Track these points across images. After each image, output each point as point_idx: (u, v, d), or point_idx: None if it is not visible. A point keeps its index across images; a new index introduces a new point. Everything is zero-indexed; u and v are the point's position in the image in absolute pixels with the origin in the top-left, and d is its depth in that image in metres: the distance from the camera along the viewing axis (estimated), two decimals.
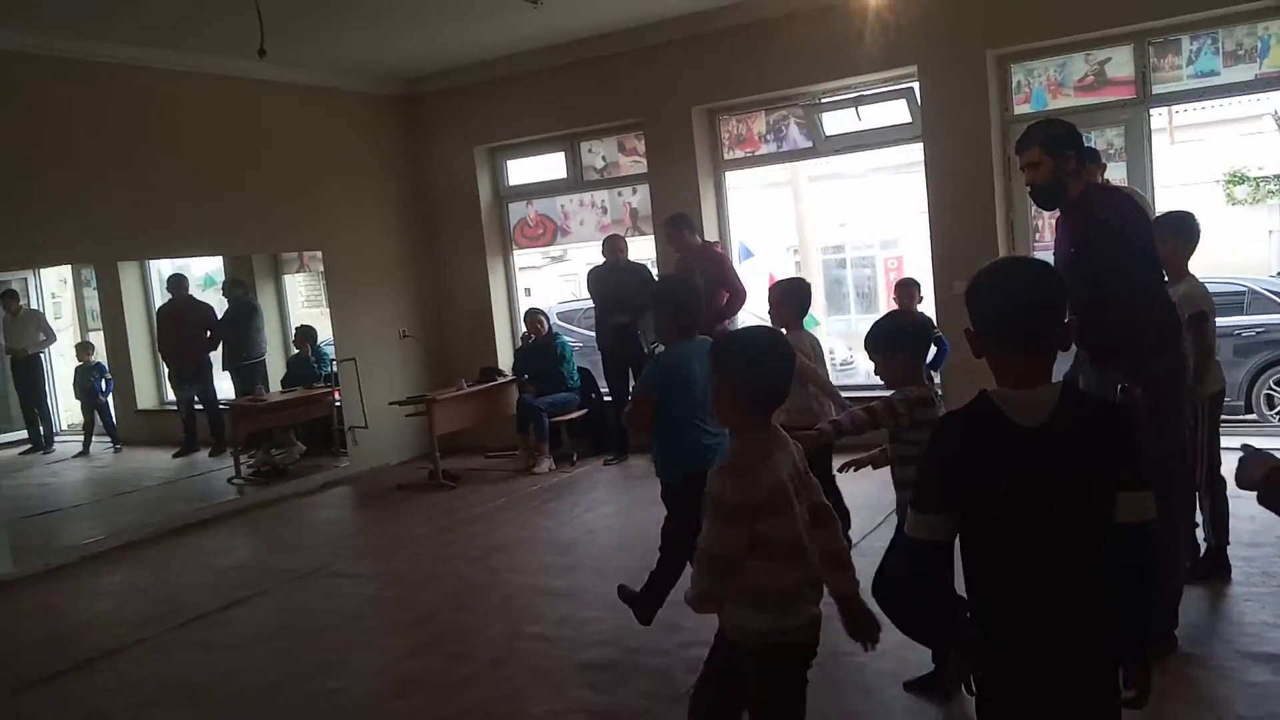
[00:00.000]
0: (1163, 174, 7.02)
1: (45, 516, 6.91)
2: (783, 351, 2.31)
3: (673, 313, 3.76)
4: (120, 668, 4.28)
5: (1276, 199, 12.82)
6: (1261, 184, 12.54)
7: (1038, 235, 6.89)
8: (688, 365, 3.63)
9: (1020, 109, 6.72)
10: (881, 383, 3.30)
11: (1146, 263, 3.32)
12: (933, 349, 6.37)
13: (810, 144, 7.39)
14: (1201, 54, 6.23)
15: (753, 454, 2.18)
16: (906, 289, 6.35)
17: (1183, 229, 3.99)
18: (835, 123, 7.16)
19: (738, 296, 7.17)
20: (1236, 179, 12.62)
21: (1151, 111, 6.48)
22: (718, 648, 2.43)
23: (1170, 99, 6.60)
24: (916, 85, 6.78)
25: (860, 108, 7.02)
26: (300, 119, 7.77)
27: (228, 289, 8.38)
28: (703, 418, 3.62)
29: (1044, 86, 6.70)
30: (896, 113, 6.93)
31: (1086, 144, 3.69)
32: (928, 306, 6.50)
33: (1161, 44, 6.29)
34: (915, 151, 6.97)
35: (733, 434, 2.32)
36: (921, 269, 6.88)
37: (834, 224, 11.55)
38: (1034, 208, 6.77)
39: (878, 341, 3.18)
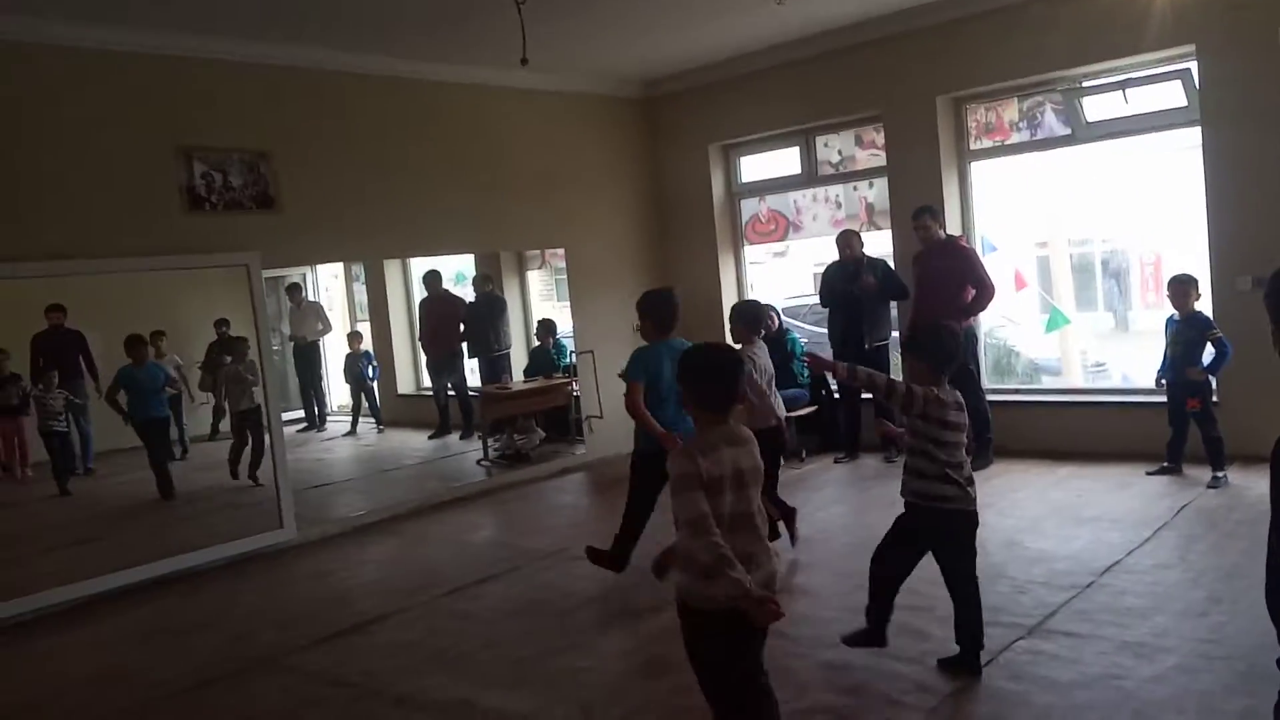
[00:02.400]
0: None
1: (320, 489, 7.64)
2: (731, 364, 2.70)
3: (650, 318, 4.88)
4: (389, 632, 4.66)
5: None
6: None
7: None
8: (659, 361, 4.69)
9: None
10: None
11: None
12: (1209, 350, 5.83)
13: (1069, 131, 6.92)
14: None
15: (706, 444, 2.58)
16: (1182, 287, 5.85)
17: None
18: (1098, 108, 6.67)
19: (986, 292, 6.87)
20: None
21: None
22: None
23: None
24: (1194, 65, 6.20)
25: (1127, 90, 6.50)
26: (547, 123, 8.14)
27: (476, 284, 8.92)
28: (665, 405, 4.65)
29: None
30: (1170, 96, 6.37)
31: None
32: (1205, 304, 5.94)
33: None
34: (1185, 138, 6.38)
35: (695, 426, 2.71)
36: (1190, 264, 6.29)
37: (1085, 216, 10.78)
38: None
39: (916, 347, 3.64)
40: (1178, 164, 6.73)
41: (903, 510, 3.67)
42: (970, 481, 3.53)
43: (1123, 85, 6.52)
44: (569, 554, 5.67)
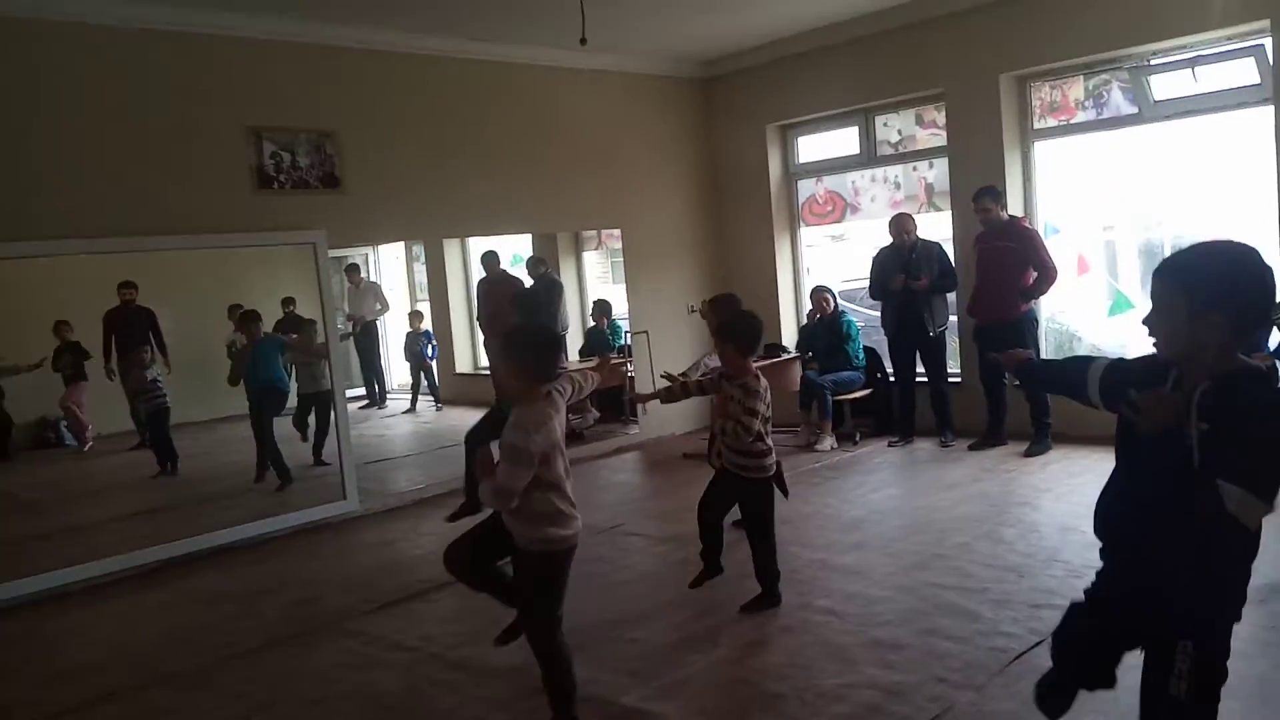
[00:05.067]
0: None
1: (381, 464, 7.84)
2: (551, 342, 3.23)
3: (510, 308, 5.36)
4: (448, 600, 4.78)
5: None
6: None
7: None
8: None
9: None
10: None
11: None
12: (1277, 334, 5.68)
13: (1136, 110, 6.77)
14: None
15: (537, 417, 3.01)
16: None
17: None
18: (1166, 86, 6.52)
19: (1048, 274, 6.79)
20: None
21: None
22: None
23: None
24: (1269, 41, 6.02)
25: (1197, 68, 6.34)
26: (604, 104, 8.19)
27: (531, 266, 9.02)
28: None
29: None
30: (1242, 73, 6.20)
31: None
32: None
33: None
34: (1265, 116, 6.19)
35: (517, 402, 3.08)
36: (1260, 249, 6.11)
37: (1152, 199, 10.50)
38: None
39: (726, 332, 4.28)
40: (1249, 145, 6.53)
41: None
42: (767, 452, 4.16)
43: (1192, 63, 6.35)
44: (623, 530, 5.76)
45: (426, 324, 9.69)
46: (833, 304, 7.99)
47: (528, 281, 8.45)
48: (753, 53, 8.39)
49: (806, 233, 9.03)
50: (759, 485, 4.21)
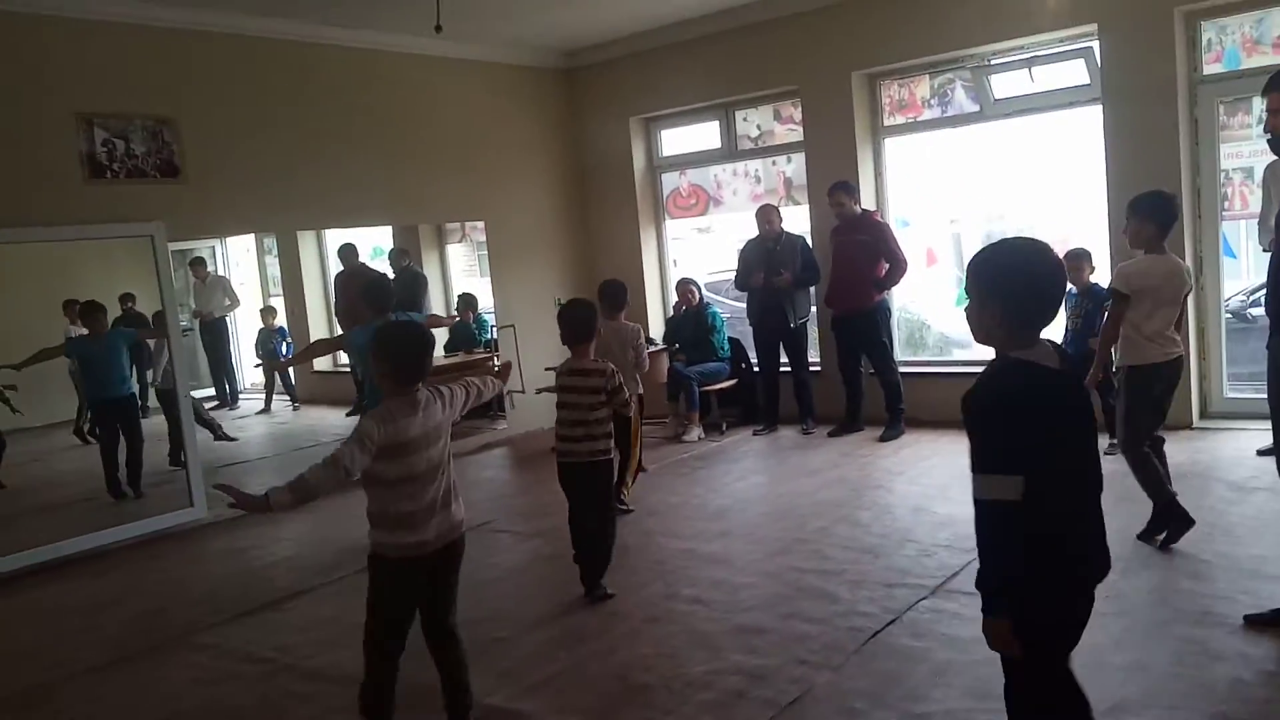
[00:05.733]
0: None
1: (233, 468, 7.47)
2: (417, 343, 3.07)
3: (362, 302, 5.39)
4: (304, 608, 4.62)
5: None
6: None
7: (1226, 204, 6.44)
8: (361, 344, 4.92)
9: (1210, 69, 6.27)
10: None
11: None
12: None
13: (977, 108, 7.11)
14: None
15: (393, 412, 2.93)
16: (1077, 261, 6.09)
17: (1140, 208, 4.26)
18: (1005, 85, 6.87)
19: (899, 266, 7.05)
20: None
21: None
22: None
23: None
24: (1096, 44, 6.41)
25: (1033, 69, 6.70)
26: (466, 93, 8.04)
27: (394, 258, 8.78)
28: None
29: (1238, 44, 6.22)
30: (1073, 74, 6.59)
31: None
32: (1102, 277, 6.17)
33: None
34: (1093, 115, 6.60)
35: (385, 396, 3.02)
36: (1096, 240, 6.53)
37: (998, 193, 11.06)
38: (1224, 174, 6.36)
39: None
40: (1082, 141, 6.96)
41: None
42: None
43: (1028, 63, 6.72)
44: (491, 527, 5.68)
45: (281, 320, 9.30)
46: (698, 296, 8.09)
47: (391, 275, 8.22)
48: (615, 45, 8.40)
49: (672, 225, 9.11)
50: (605, 470, 4.34)
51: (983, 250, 2.19)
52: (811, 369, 7.71)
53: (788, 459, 6.81)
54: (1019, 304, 2.08)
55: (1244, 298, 7.55)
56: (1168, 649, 3.36)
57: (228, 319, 9.26)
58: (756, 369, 7.97)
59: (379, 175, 7.36)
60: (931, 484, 5.72)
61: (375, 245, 8.93)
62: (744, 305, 7.94)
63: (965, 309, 2.20)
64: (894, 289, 7.36)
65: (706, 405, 7.92)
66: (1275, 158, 4.78)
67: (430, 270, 8.93)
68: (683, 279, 8.26)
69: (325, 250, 9.03)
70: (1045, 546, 2.06)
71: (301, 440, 8.51)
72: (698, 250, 11.49)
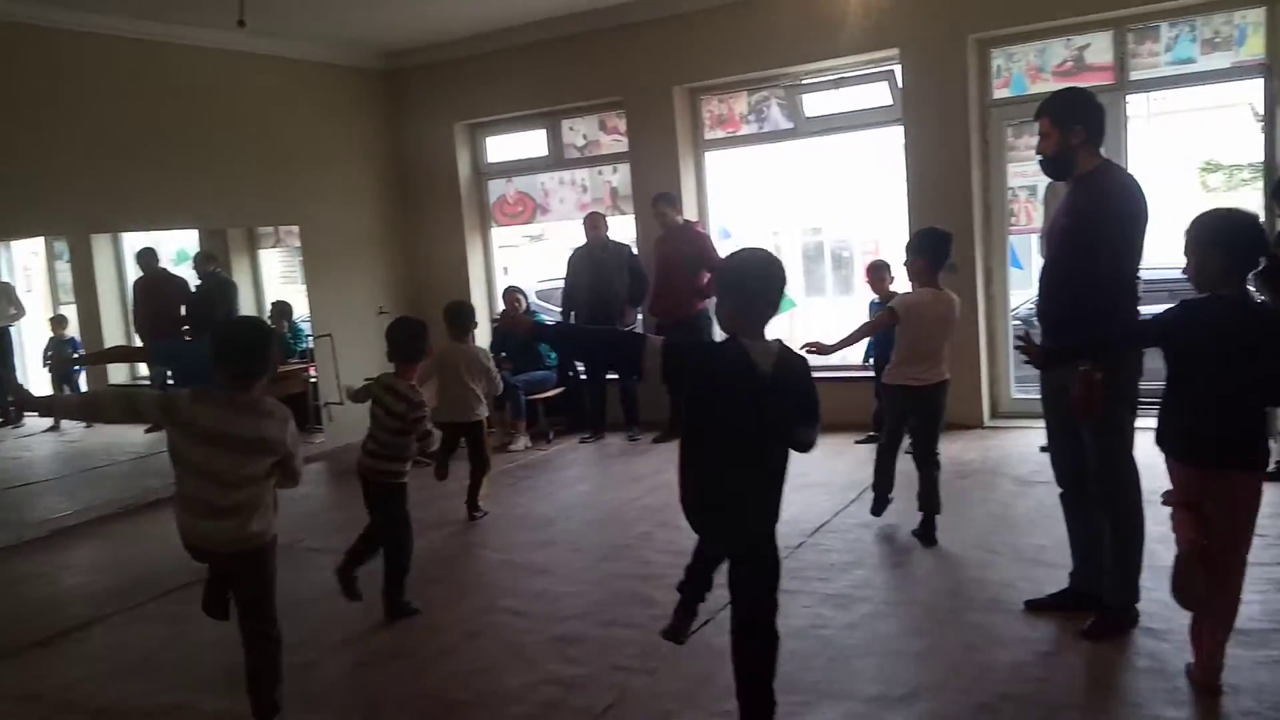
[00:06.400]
0: (1139, 161, 7.06)
1: (17, 490, 6.84)
2: (240, 344, 3.07)
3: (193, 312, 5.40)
4: (93, 640, 4.27)
5: (1250, 187, 12.95)
6: (1235, 172, 12.65)
7: (1013, 219, 6.95)
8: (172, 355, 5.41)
9: (999, 93, 6.76)
10: None
11: (1123, 249, 3.27)
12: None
13: (791, 125, 7.40)
14: (1179, 41, 6.28)
15: (207, 395, 2.99)
16: (877, 272, 6.43)
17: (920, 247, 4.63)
18: (816, 104, 7.18)
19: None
20: (1212, 167, 12.73)
21: (1129, 98, 6.53)
22: None
23: (1148, 85, 6.65)
24: (898, 68, 6.80)
25: (841, 90, 7.03)
26: (277, 92, 7.70)
27: (198, 263, 8.28)
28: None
29: (1024, 71, 6.73)
30: (878, 95, 6.96)
31: None
32: (902, 286, 6.52)
33: (1140, 30, 6.34)
34: (896, 134, 6.99)
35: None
36: (899, 251, 6.90)
37: (814, 206, 11.56)
38: (1011, 191, 6.87)
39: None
40: (889, 159, 7.37)
41: None
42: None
43: (837, 84, 7.05)
44: (304, 546, 5.42)
45: (73, 330, 8.59)
46: (525, 304, 8.03)
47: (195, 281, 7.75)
48: (439, 48, 8.24)
49: (500, 233, 9.02)
50: (401, 493, 4.22)
51: (727, 258, 2.81)
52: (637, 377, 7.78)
53: (614, 466, 6.85)
54: (751, 300, 2.62)
55: (1030, 306, 8.17)
56: (958, 635, 3.58)
57: (11, 329, 8.49)
58: (584, 376, 7.99)
59: (182, 176, 6.94)
60: None
61: (179, 249, 8.40)
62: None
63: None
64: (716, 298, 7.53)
65: (533, 414, 7.88)
66: None
67: (241, 277, 8.48)
68: (510, 287, 8.18)
69: (123, 255, 8.41)
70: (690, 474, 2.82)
71: (96, 459, 7.87)
72: (529, 258, 11.42)
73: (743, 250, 2.76)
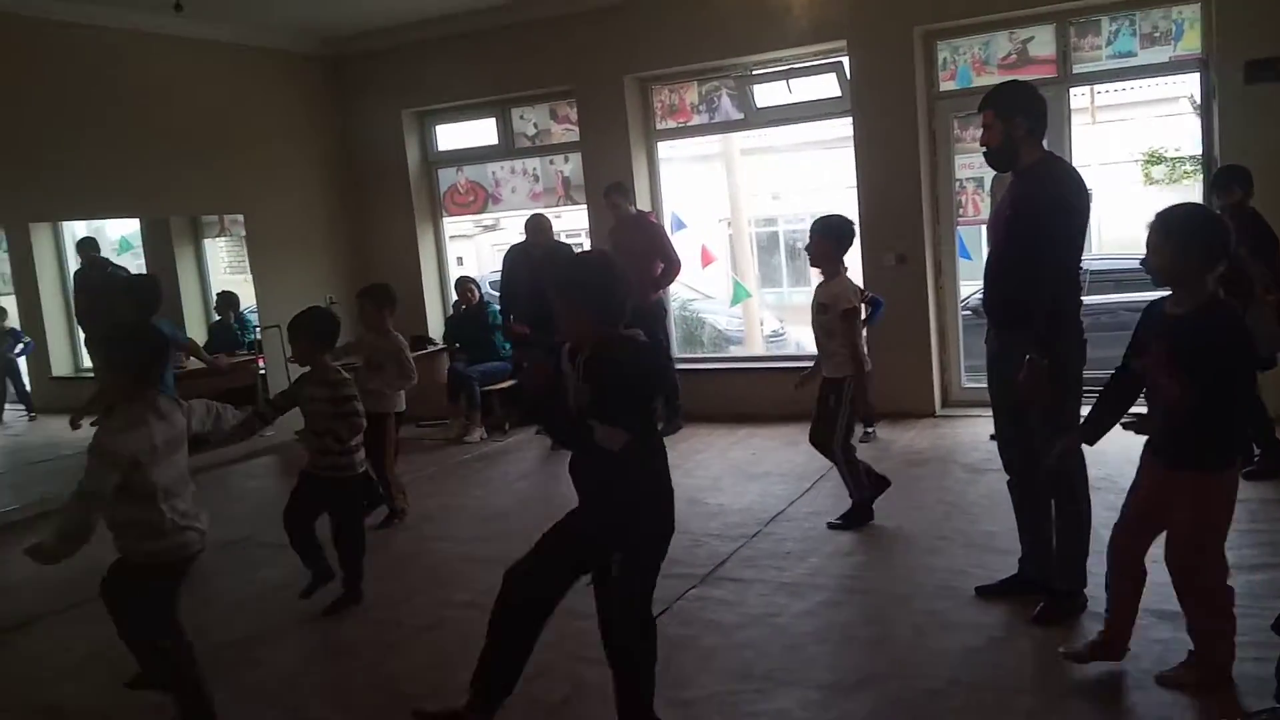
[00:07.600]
0: (1082, 153, 7.22)
1: None
2: (151, 345, 3.07)
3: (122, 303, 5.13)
4: (38, 638, 4.19)
5: (1192, 180, 13.30)
6: (1177, 165, 12.98)
7: (961, 210, 7.06)
8: None
9: (946, 85, 6.85)
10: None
11: (1065, 240, 3.34)
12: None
13: (742, 116, 7.43)
14: (1120, 35, 6.42)
15: (133, 417, 2.88)
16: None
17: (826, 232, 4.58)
18: (766, 95, 7.21)
19: (672, 266, 7.23)
20: (1154, 159, 13.04)
21: (1072, 91, 6.66)
22: None
23: (1089, 79, 6.79)
24: (846, 60, 6.85)
25: (791, 81, 7.07)
26: (220, 77, 7.55)
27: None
28: None
29: (969, 64, 6.83)
30: (827, 87, 7.01)
31: None
32: (855, 275, 6.60)
33: (1082, 24, 6.46)
34: (846, 125, 7.06)
35: (118, 402, 2.96)
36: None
37: (766, 197, 11.63)
38: (958, 182, 6.97)
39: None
40: (836, 149, 7.45)
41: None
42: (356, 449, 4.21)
43: (787, 75, 7.08)
44: (253, 541, 5.35)
45: (12, 321, 8.35)
46: (478, 294, 7.99)
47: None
48: (385, 34, 8.12)
49: (452, 222, 8.93)
50: (351, 485, 4.21)
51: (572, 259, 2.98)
52: None
53: (569, 457, 6.83)
54: (587, 299, 2.74)
55: (979, 296, 8.31)
56: (910, 622, 3.64)
57: None
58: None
59: (121, 163, 6.78)
60: (705, 476, 5.92)
61: (122, 237, 8.20)
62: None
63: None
64: (670, 288, 7.55)
65: (489, 405, 7.83)
66: None
67: (184, 267, 8.31)
68: (462, 277, 8.13)
69: (63, 244, 8.19)
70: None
71: (39, 454, 7.68)
72: (483, 248, 11.33)
73: (584, 253, 3.01)
